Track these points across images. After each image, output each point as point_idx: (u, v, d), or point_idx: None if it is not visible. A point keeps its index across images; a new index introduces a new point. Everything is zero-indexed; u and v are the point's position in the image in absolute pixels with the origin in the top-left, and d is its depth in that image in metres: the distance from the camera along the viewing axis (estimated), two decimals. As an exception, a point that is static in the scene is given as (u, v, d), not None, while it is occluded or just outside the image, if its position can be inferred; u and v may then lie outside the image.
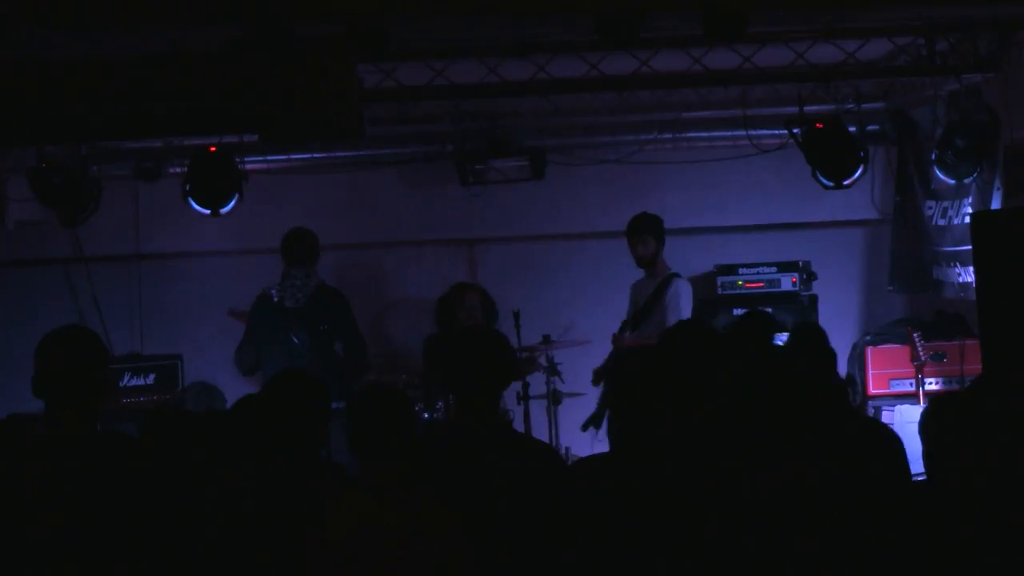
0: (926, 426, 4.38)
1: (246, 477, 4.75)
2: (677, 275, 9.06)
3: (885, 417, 8.91)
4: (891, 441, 5.22)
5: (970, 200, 8.64)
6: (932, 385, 9.04)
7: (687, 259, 10.01)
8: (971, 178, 8.44)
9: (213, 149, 8.76)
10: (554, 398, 9.05)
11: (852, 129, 8.70)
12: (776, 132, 9.29)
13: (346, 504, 4.42)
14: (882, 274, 10.36)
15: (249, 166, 9.22)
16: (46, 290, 10.39)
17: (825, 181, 8.63)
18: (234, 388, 9.34)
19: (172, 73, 6.89)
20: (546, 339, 9.20)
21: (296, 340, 8.62)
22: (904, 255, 9.98)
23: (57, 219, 9.15)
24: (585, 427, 8.69)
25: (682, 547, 4.38)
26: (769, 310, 9.62)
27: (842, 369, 9.12)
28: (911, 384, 9.05)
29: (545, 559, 4.51)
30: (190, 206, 8.79)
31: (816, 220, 10.41)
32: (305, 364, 8.12)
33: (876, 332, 9.94)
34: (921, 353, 8.89)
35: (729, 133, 9.83)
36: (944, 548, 4.10)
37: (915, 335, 8.96)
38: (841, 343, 9.64)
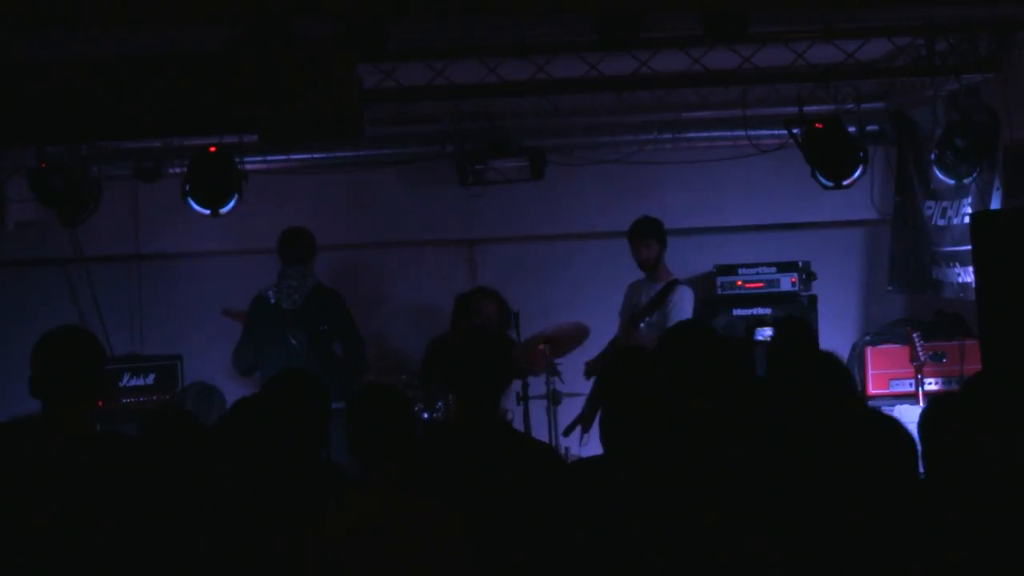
0: (925, 426, 4.37)
1: (246, 477, 4.75)
2: (679, 281, 9.09)
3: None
4: (904, 439, 5.18)
5: (970, 200, 8.64)
6: (931, 385, 9.05)
7: (687, 259, 10.01)
8: (971, 178, 8.44)
9: (213, 149, 8.75)
10: (554, 398, 9.05)
11: (852, 129, 8.70)
12: (776, 132, 9.29)
13: (346, 504, 4.42)
14: (882, 274, 10.36)
15: (249, 166, 9.21)
16: (46, 290, 10.39)
17: (824, 181, 8.62)
18: (234, 388, 9.34)
19: (172, 73, 6.89)
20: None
21: (294, 341, 8.62)
22: (904, 255, 9.98)
23: (57, 219, 9.14)
24: (568, 431, 8.70)
25: (682, 547, 4.38)
26: (769, 311, 9.68)
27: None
28: (911, 384, 9.06)
29: (545, 559, 4.51)
30: (190, 206, 8.78)
31: (816, 220, 10.41)
32: (303, 365, 8.11)
33: (875, 332, 9.95)
34: (920, 353, 8.90)
35: (729, 133, 9.83)
36: (944, 548, 4.09)
37: (914, 335, 8.96)
38: (841, 343, 9.68)
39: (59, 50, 7.11)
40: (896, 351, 9.35)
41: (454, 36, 7.86)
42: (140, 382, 9.58)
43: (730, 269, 10.17)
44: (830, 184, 8.63)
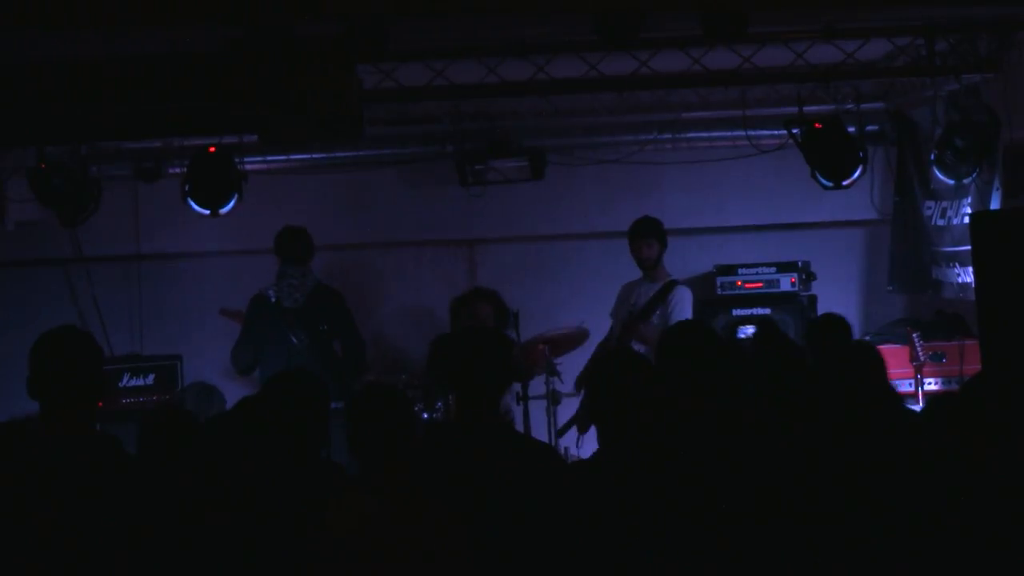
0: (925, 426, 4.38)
1: (246, 477, 4.75)
2: (678, 281, 9.08)
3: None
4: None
5: (969, 200, 8.64)
6: (931, 385, 9.04)
7: (686, 259, 10.01)
8: (970, 178, 8.44)
9: (213, 149, 8.76)
10: (554, 398, 9.05)
11: (851, 129, 8.70)
12: (775, 132, 9.29)
13: (346, 504, 4.42)
14: (881, 274, 10.36)
15: (249, 166, 9.21)
16: (46, 290, 10.39)
17: (824, 181, 8.62)
18: (234, 388, 9.35)
19: (172, 73, 6.89)
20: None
21: (295, 340, 8.62)
22: (903, 255, 9.98)
23: (57, 219, 9.14)
24: (563, 431, 8.69)
25: (682, 547, 4.38)
26: (769, 311, 9.68)
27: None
28: (910, 384, 9.05)
29: (545, 559, 4.51)
30: (190, 206, 8.79)
31: (815, 220, 10.41)
32: (304, 364, 8.11)
33: (875, 332, 9.94)
34: (920, 353, 8.89)
35: (729, 133, 9.83)
36: (943, 548, 4.10)
37: (914, 335, 8.96)
38: (840, 343, 9.66)
39: (59, 50, 7.10)
40: (896, 351, 9.33)
41: (454, 36, 7.87)
42: (140, 382, 9.57)
43: (730, 269, 10.16)
44: (830, 184, 8.63)
